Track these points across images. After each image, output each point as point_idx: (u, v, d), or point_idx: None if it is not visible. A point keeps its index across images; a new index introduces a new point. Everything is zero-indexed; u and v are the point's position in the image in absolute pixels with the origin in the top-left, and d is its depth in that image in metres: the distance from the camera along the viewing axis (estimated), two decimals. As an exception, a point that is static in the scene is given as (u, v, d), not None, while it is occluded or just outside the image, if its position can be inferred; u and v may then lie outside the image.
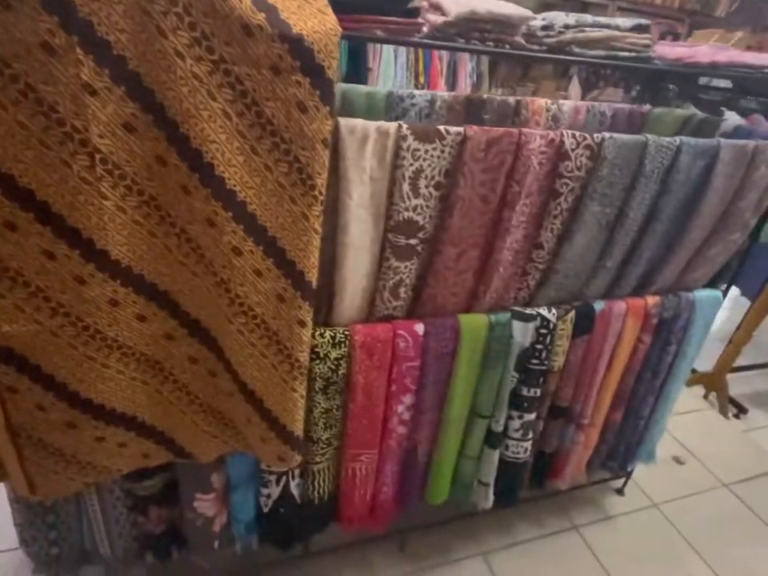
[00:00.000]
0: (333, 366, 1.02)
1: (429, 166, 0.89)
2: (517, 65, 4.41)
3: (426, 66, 2.24)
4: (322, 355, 1.00)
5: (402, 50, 2.14)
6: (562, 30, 0.95)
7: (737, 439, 2.16)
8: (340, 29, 0.73)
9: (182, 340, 0.88)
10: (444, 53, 2.26)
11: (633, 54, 1.00)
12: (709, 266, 1.29)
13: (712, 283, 1.37)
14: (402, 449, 1.20)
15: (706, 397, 2.46)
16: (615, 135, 0.99)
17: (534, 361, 1.19)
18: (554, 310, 1.17)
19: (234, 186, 0.76)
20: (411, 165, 0.87)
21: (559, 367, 1.24)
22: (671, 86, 3.23)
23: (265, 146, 0.75)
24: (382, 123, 0.84)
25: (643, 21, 1.01)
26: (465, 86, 2.33)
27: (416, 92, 1.26)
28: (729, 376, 2.50)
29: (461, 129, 0.88)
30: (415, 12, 0.85)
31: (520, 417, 1.25)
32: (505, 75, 4.20)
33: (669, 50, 1.24)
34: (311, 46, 0.71)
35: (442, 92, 1.29)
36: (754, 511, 1.78)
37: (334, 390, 1.05)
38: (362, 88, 1.23)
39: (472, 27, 0.90)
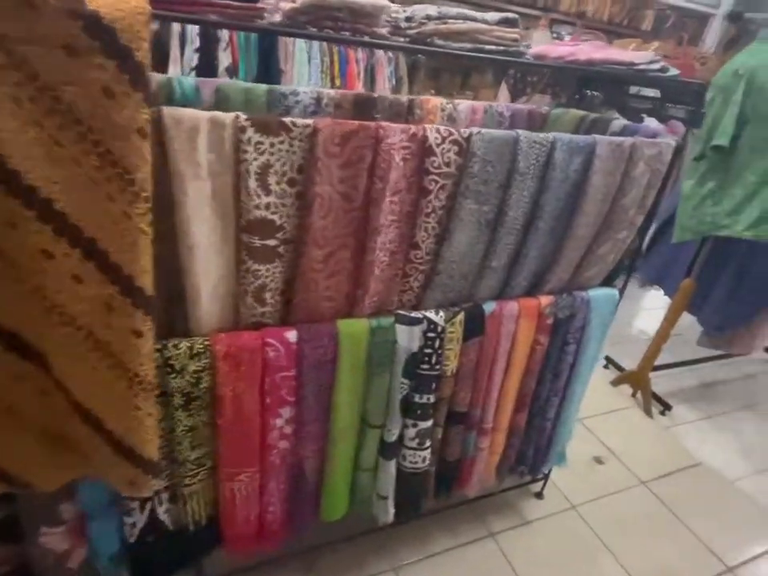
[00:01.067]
0: (192, 380, 0.94)
1: (278, 160, 0.83)
2: (456, 73, 4.47)
3: (343, 69, 2.20)
4: (178, 368, 0.92)
5: (316, 51, 2.09)
6: (423, 20, 0.92)
7: (658, 436, 2.19)
8: (149, 8, 0.67)
9: (0, 356, 0.79)
10: (361, 55, 2.23)
11: (501, 48, 0.98)
12: (600, 264, 1.28)
13: (608, 281, 1.37)
14: (287, 465, 1.12)
15: (633, 395, 2.50)
16: (484, 130, 0.96)
17: (424, 366, 1.14)
18: (441, 313, 1.13)
19: (34, 181, 0.67)
20: (256, 159, 0.81)
21: (452, 372, 1.19)
22: (596, 93, 3.31)
23: (69, 136, 0.68)
24: (217, 113, 0.77)
25: (510, 15, 0.99)
26: (384, 90, 2.30)
27: (300, 89, 1.21)
28: (657, 374, 2.55)
29: (309, 121, 0.82)
30: (255, -4, 0.79)
31: (415, 425, 1.20)
32: (445, 83, 4.25)
33: (553, 49, 1.24)
34: (112, 25, 0.64)
35: (330, 89, 1.25)
36: (669, 507, 1.79)
37: (198, 406, 0.97)
38: (240, 83, 1.17)
39: (324, 15, 0.85)
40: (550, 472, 1.69)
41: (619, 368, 2.64)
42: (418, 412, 1.19)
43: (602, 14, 4.31)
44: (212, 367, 0.95)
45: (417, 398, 1.17)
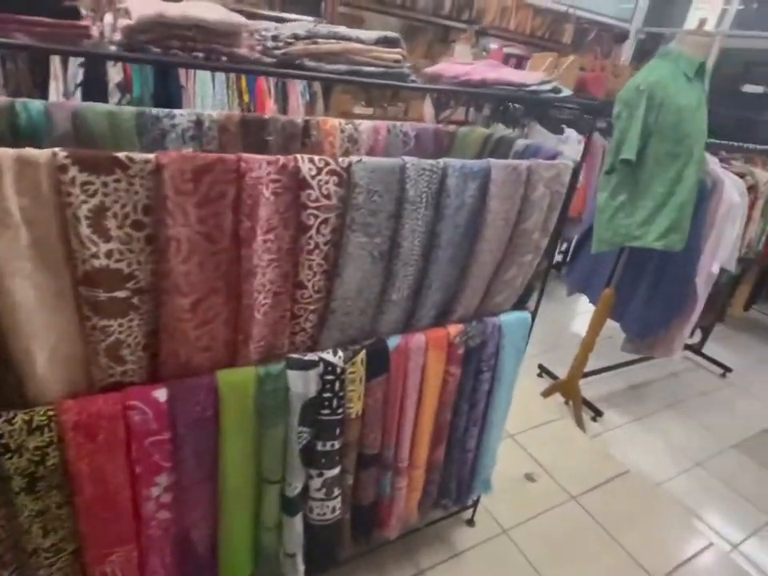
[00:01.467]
0: (35, 458, 0.80)
1: (115, 202, 0.71)
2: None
3: (251, 84, 2.07)
4: (14, 447, 0.77)
5: (220, 65, 1.96)
6: (289, 40, 0.83)
7: (589, 446, 2.21)
8: None
9: None
10: (270, 69, 2.11)
11: (381, 70, 0.91)
12: (509, 289, 1.24)
13: (520, 304, 1.33)
14: (171, 535, 0.99)
15: (566, 403, 2.52)
16: (365, 159, 0.89)
17: (325, 411, 1.05)
18: (340, 353, 1.04)
19: None
20: (85, 202, 0.69)
21: (357, 414, 1.11)
22: (518, 105, 3.36)
23: None
24: (27, 151, 0.65)
25: (390, 34, 0.92)
26: (297, 106, 2.20)
27: (177, 111, 1.10)
28: (587, 380, 2.58)
29: (151, 156, 0.71)
30: (75, 12, 0.67)
31: (320, 475, 1.10)
32: (376, 95, 4.21)
33: (449, 68, 1.19)
34: None
35: (212, 112, 1.14)
36: (599, 522, 1.79)
37: (47, 486, 0.83)
38: (100, 107, 1.04)
39: (169, 34, 0.74)
40: (479, 498, 1.64)
41: (553, 376, 2.66)
42: (323, 461, 1.09)
43: (524, 27, 4.42)
44: (60, 440, 0.81)
45: (320, 446, 1.07)
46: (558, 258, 3.89)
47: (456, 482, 1.41)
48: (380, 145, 1.35)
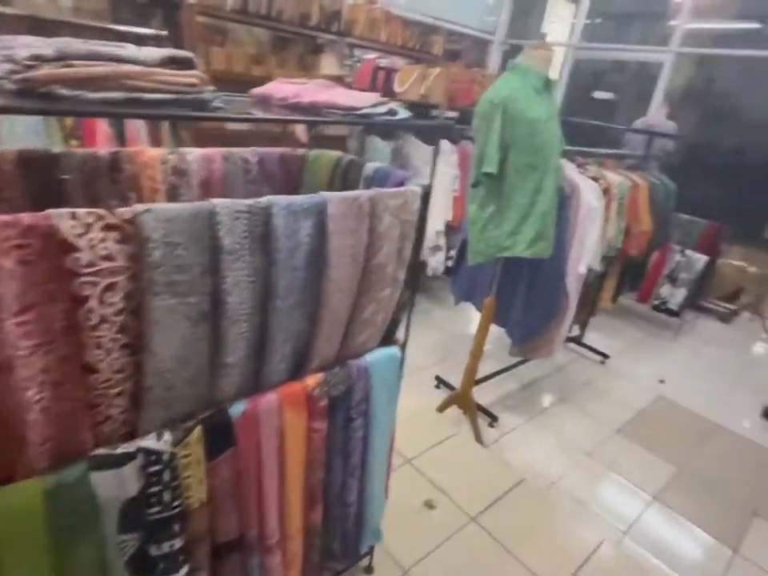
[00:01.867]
0: None
1: None
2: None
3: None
4: None
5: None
6: (30, 63, 0.64)
7: (485, 457, 2.20)
8: None
9: None
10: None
11: (171, 97, 0.75)
12: (371, 328, 1.14)
13: (387, 339, 1.24)
14: None
15: (465, 413, 2.50)
16: (156, 207, 0.72)
17: (155, 509, 0.86)
18: (166, 435, 0.86)
19: None
20: None
21: (202, 501, 0.93)
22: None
23: None
24: None
25: (180, 53, 0.77)
26: (137, 129, 1.94)
27: None
28: (481, 386, 2.60)
29: None
30: None
31: (160, 583, 0.90)
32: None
33: (278, 88, 1.06)
34: None
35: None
36: (497, 540, 1.76)
37: None
38: None
39: None
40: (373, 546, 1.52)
41: (450, 387, 2.64)
42: (161, 566, 0.89)
43: (395, 38, 4.46)
44: None
45: (154, 551, 0.88)
46: (448, 263, 3.95)
47: (340, 540, 1.27)
48: (215, 175, 1.19)
